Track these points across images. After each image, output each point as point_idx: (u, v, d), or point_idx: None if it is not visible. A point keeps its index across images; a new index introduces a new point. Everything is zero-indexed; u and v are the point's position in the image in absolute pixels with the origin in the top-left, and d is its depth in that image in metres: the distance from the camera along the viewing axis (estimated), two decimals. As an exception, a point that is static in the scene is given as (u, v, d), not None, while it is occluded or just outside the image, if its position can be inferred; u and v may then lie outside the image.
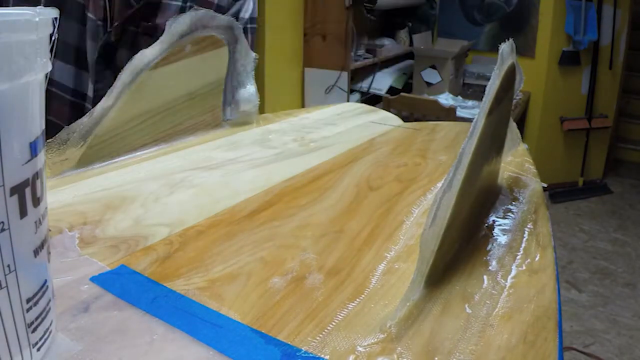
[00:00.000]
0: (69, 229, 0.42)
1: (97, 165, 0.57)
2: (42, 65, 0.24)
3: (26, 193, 0.24)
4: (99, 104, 0.56)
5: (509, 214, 0.48)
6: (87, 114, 0.55)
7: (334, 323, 0.32)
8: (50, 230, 0.41)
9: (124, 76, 0.58)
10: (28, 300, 0.25)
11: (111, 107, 0.57)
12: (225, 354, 0.29)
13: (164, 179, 0.54)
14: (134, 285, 0.35)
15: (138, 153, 0.61)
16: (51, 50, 0.25)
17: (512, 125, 0.54)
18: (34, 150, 0.24)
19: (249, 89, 0.74)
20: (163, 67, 0.61)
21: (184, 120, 0.67)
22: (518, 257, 0.41)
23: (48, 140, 0.53)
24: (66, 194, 0.50)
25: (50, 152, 0.53)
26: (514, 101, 0.53)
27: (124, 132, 0.59)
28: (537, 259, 0.41)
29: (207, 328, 0.31)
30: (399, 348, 0.30)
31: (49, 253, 0.27)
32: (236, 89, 0.73)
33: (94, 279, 0.35)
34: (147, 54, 0.59)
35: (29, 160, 0.24)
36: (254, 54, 0.73)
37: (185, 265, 0.38)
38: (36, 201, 0.25)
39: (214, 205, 0.48)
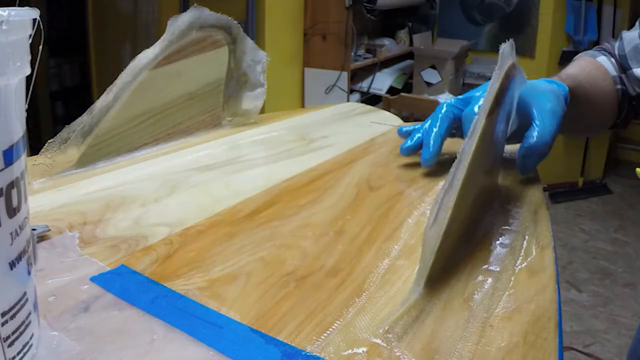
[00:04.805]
0: (69, 229, 0.42)
1: (97, 165, 0.57)
2: (16, 70, 0.22)
3: (-1, 204, 0.22)
4: (98, 101, 0.56)
5: (509, 214, 0.48)
6: (87, 111, 0.55)
7: (334, 323, 0.32)
8: (49, 230, 0.41)
9: (124, 75, 0.58)
10: (4, 314, 0.24)
11: (111, 107, 0.57)
12: (225, 354, 0.29)
13: (164, 179, 0.54)
14: (134, 285, 0.35)
15: (138, 153, 0.61)
16: (43, 49, 0.24)
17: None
18: (8, 158, 0.23)
19: (257, 89, 0.74)
20: (163, 66, 0.61)
21: (184, 120, 0.67)
22: (518, 257, 0.41)
23: (49, 140, 0.53)
24: (66, 194, 0.50)
25: (51, 151, 0.53)
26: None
27: (124, 132, 0.59)
28: (537, 259, 0.40)
29: (207, 328, 0.31)
30: (399, 348, 0.30)
31: (30, 264, 0.26)
32: (241, 88, 0.73)
33: (94, 279, 0.35)
34: (148, 54, 0.59)
35: (2, 170, 0.22)
36: (264, 54, 0.73)
37: (185, 265, 0.38)
38: (12, 212, 0.23)
39: (214, 205, 0.48)
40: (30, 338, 0.26)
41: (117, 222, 0.44)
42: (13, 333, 0.25)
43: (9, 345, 0.25)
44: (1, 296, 0.24)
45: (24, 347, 0.26)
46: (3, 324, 0.24)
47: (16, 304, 0.25)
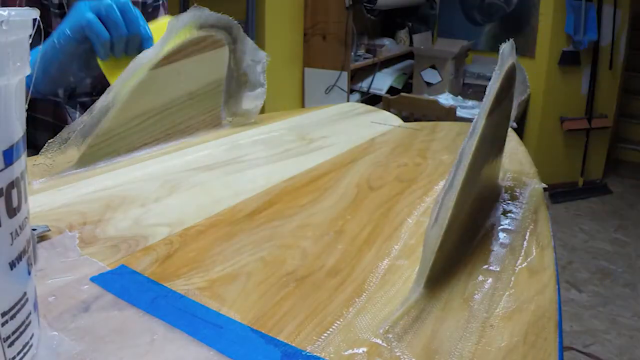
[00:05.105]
0: (69, 229, 0.42)
1: (97, 165, 0.57)
2: (16, 70, 0.22)
3: (-2, 204, 0.22)
4: (98, 101, 0.56)
5: (509, 214, 0.48)
6: (87, 111, 0.55)
7: (334, 323, 0.32)
8: (49, 230, 0.41)
9: (124, 75, 0.58)
10: (4, 314, 0.24)
11: (111, 107, 0.57)
12: (225, 354, 0.29)
13: (164, 179, 0.54)
14: (134, 285, 0.35)
15: (138, 153, 0.61)
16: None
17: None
18: (8, 158, 0.23)
19: (257, 89, 0.74)
20: (163, 66, 0.61)
21: (184, 120, 0.67)
22: (518, 257, 0.41)
23: (49, 140, 0.53)
24: (66, 194, 0.50)
25: (51, 151, 0.53)
26: (516, 102, 0.53)
27: (124, 132, 0.59)
28: (537, 259, 0.40)
29: (207, 328, 0.31)
30: (399, 348, 0.30)
31: (30, 264, 0.26)
32: (241, 88, 0.73)
33: (94, 279, 0.35)
34: (148, 54, 0.59)
35: (2, 170, 0.22)
36: (264, 54, 0.73)
37: (185, 265, 0.38)
38: (12, 212, 0.23)
39: (214, 205, 0.48)
40: (31, 338, 0.26)
41: (117, 222, 0.44)
42: (13, 333, 0.25)
43: (9, 346, 0.25)
44: (1, 296, 0.24)
45: (24, 347, 0.26)
46: (3, 324, 0.24)
47: (16, 304, 0.25)
